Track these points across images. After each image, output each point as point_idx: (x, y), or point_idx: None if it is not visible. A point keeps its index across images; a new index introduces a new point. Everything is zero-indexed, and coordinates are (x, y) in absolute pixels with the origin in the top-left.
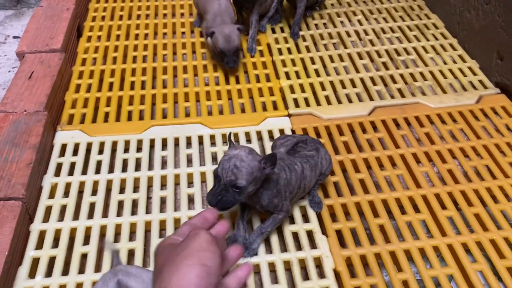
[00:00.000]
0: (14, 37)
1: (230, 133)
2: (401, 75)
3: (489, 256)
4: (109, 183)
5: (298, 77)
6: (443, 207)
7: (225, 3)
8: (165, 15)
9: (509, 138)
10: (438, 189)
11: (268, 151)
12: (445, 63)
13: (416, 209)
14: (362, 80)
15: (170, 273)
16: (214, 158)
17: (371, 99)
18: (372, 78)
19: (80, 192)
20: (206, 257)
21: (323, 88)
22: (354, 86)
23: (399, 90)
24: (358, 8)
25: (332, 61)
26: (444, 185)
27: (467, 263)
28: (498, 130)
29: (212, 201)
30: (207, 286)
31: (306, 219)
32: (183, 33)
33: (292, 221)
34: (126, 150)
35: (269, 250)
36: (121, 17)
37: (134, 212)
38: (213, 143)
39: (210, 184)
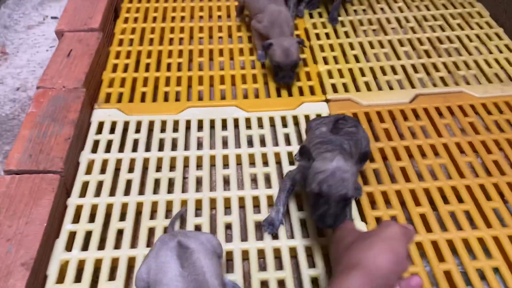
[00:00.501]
0: (52, 18)
1: (303, 147)
2: (444, 64)
3: None
4: (146, 161)
5: (336, 62)
6: (488, 198)
7: (284, 11)
8: None
9: None
10: (482, 180)
11: (304, 136)
12: (490, 52)
13: (460, 200)
14: (403, 67)
15: (361, 251)
16: (249, 141)
17: (412, 86)
18: (413, 66)
19: (117, 170)
20: (397, 246)
21: (363, 74)
22: (395, 73)
23: (442, 78)
24: None
25: (372, 47)
26: (489, 176)
27: None
28: None
29: (329, 222)
30: (395, 271)
31: None
32: (219, 16)
33: None
34: (163, 130)
35: (306, 234)
36: (158, 0)
37: (170, 191)
38: (248, 126)
39: (245, 166)
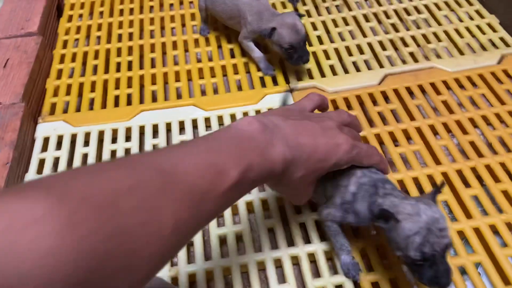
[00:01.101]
0: None
1: (384, 211)
2: (413, 37)
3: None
4: None
5: None
6: (467, 185)
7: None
8: None
9: None
10: (459, 164)
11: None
12: (460, 20)
13: None
14: (370, 45)
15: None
16: None
17: (381, 66)
18: (381, 43)
19: None
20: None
21: (328, 57)
22: (361, 52)
23: (412, 54)
24: None
25: (336, 25)
26: (466, 159)
27: (497, 247)
28: None
29: (445, 282)
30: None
31: (313, 208)
32: (171, 5)
33: (299, 211)
34: (114, 139)
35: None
36: None
37: None
38: (208, 126)
39: None
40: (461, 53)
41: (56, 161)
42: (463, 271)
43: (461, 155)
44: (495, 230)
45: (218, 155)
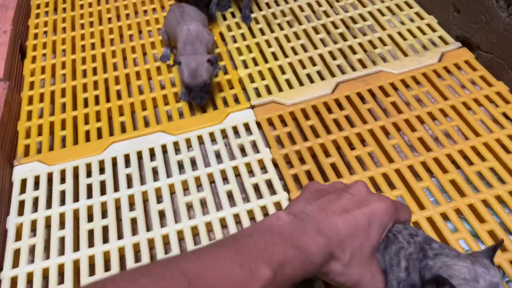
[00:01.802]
0: None
1: (439, 277)
2: (360, 44)
3: (469, 222)
4: (76, 212)
5: (256, 64)
6: (419, 178)
7: (194, 28)
8: (109, 19)
9: (475, 93)
10: (410, 160)
11: (235, 149)
12: (403, 23)
13: (392, 186)
14: (321, 56)
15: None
16: (180, 166)
17: (332, 75)
18: (331, 53)
19: (48, 227)
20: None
21: (283, 72)
22: (313, 64)
23: (360, 60)
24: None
25: (289, 40)
26: (416, 155)
27: (449, 234)
28: (464, 86)
29: None
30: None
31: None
32: (130, 35)
33: None
34: (89, 173)
35: None
36: (64, 30)
37: (105, 239)
38: (177, 150)
39: (179, 195)
40: (405, 54)
41: (36, 200)
42: None
43: (411, 151)
44: (446, 218)
45: (247, 255)
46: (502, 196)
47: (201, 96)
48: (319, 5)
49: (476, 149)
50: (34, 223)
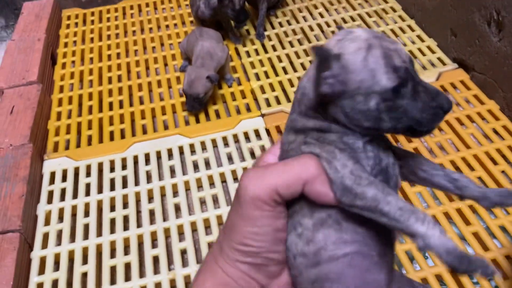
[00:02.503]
0: None
1: None
2: None
3: (456, 225)
4: (100, 203)
5: (267, 77)
6: (412, 183)
7: (208, 45)
8: (134, 32)
9: (468, 110)
10: None
11: (245, 152)
12: (405, 45)
13: None
14: None
15: None
16: (195, 166)
17: None
18: None
19: (74, 215)
20: None
21: (292, 85)
22: None
23: None
24: (319, 1)
25: (298, 57)
26: None
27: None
28: (459, 104)
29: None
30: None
31: None
32: (153, 47)
33: None
34: (112, 169)
35: None
36: (92, 40)
37: (126, 227)
38: (193, 151)
39: (194, 191)
40: None
41: (63, 191)
42: (399, 264)
43: None
44: (435, 220)
45: None
46: None
47: (193, 106)
48: (328, 25)
49: (466, 160)
50: (61, 211)
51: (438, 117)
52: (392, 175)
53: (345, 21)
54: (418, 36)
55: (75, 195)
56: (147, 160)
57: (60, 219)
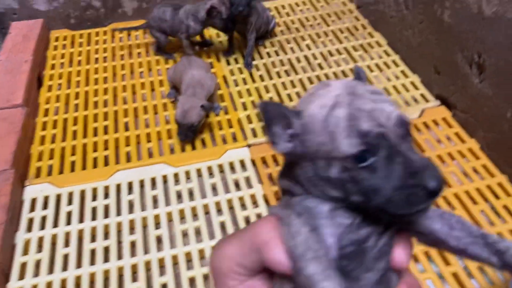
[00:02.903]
0: None
1: None
2: None
3: (436, 264)
4: (81, 232)
5: (254, 106)
6: None
7: (199, 74)
8: (122, 56)
9: (449, 148)
10: None
11: (230, 183)
12: (389, 80)
13: None
14: None
15: None
16: (179, 196)
17: None
18: None
19: (53, 245)
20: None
21: None
22: None
23: None
24: (306, 33)
25: (285, 88)
26: None
27: (418, 274)
28: (440, 141)
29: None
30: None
31: None
32: (141, 72)
33: None
34: (94, 197)
35: None
36: (79, 63)
37: (106, 258)
38: (177, 181)
39: (176, 223)
40: None
41: (43, 219)
42: None
43: None
44: (416, 259)
45: None
46: None
47: (186, 134)
48: (315, 58)
49: (447, 199)
50: (41, 240)
51: (418, 199)
52: (372, 247)
53: (331, 54)
54: (402, 72)
55: (55, 224)
56: (130, 189)
57: (39, 248)
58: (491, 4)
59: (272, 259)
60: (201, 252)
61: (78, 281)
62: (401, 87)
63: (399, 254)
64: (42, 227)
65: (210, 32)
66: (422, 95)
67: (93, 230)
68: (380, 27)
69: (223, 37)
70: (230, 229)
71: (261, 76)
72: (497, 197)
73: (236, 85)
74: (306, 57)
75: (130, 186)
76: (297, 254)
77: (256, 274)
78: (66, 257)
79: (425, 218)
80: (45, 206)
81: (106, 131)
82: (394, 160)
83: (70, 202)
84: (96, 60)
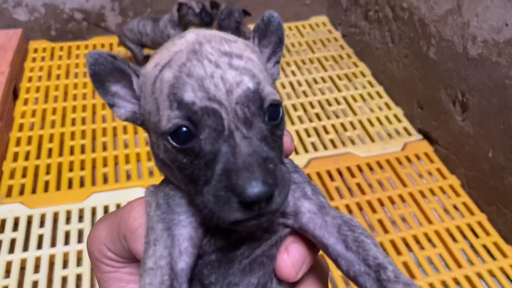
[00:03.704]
0: None
1: None
2: (333, 126)
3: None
4: (52, 257)
5: None
6: None
7: None
8: None
9: (431, 184)
10: None
11: None
12: (372, 111)
13: None
14: (297, 132)
15: None
16: None
17: (306, 151)
18: (306, 130)
19: (22, 269)
20: None
21: None
22: None
23: (332, 140)
24: (292, 59)
25: None
26: (374, 235)
27: None
28: (422, 176)
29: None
30: None
31: None
32: None
33: None
34: (68, 220)
35: None
36: (58, 76)
37: (78, 286)
38: None
39: None
40: (372, 140)
41: (13, 242)
42: None
43: (371, 231)
44: None
45: None
46: (447, 282)
47: None
48: (300, 84)
49: (428, 236)
50: (9, 264)
51: (230, 209)
52: (242, 256)
53: (316, 82)
54: (386, 104)
55: (25, 247)
56: (106, 213)
57: (7, 273)
58: (476, 46)
59: (135, 251)
60: None
61: None
62: (384, 119)
63: (284, 263)
64: (11, 250)
65: None
66: (405, 128)
67: (66, 256)
68: (365, 58)
69: None
70: None
71: None
72: (476, 235)
73: None
74: (291, 83)
75: (106, 209)
76: (144, 256)
77: (132, 261)
78: (35, 284)
79: (317, 227)
80: (15, 228)
81: (83, 150)
82: (219, 149)
83: (42, 224)
84: (76, 74)
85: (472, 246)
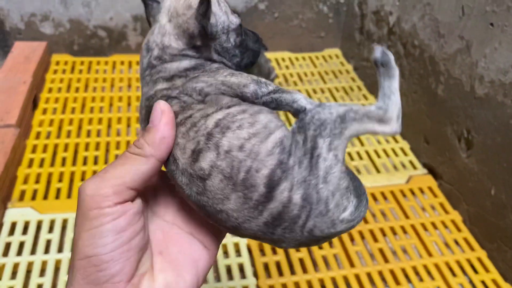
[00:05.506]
0: None
1: None
2: None
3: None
4: (58, 263)
5: None
6: (374, 286)
7: None
8: (120, 87)
9: (433, 217)
10: (369, 268)
11: None
12: (379, 143)
13: None
14: None
15: None
16: None
17: None
18: None
19: (28, 272)
20: None
21: None
22: None
23: None
24: (303, 87)
25: None
26: (375, 263)
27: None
28: (425, 209)
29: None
30: None
31: None
32: (138, 106)
33: None
34: None
35: None
36: (77, 89)
37: None
38: None
39: None
40: (378, 171)
41: (21, 245)
42: None
43: (371, 259)
44: None
45: None
46: None
47: None
48: None
49: (427, 268)
50: (16, 266)
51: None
52: None
53: (315, 92)
54: (393, 137)
55: (33, 251)
56: None
57: (13, 274)
58: (483, 85)
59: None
60: None
61: None
62: (390, 151)
63: None
64: (19, 252)
65: None
66: (410, 162)
67: None
68: (375, 91)
69: None
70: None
71: None
72: (475, 271)
73: None
74: None
75: None
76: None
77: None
78: (40, 287)
79: None
80: (24, 231)
81: (96, 162)
82: (244, 31)
83: (50, 229)
84: (94, 89)
85: (471, 282)
